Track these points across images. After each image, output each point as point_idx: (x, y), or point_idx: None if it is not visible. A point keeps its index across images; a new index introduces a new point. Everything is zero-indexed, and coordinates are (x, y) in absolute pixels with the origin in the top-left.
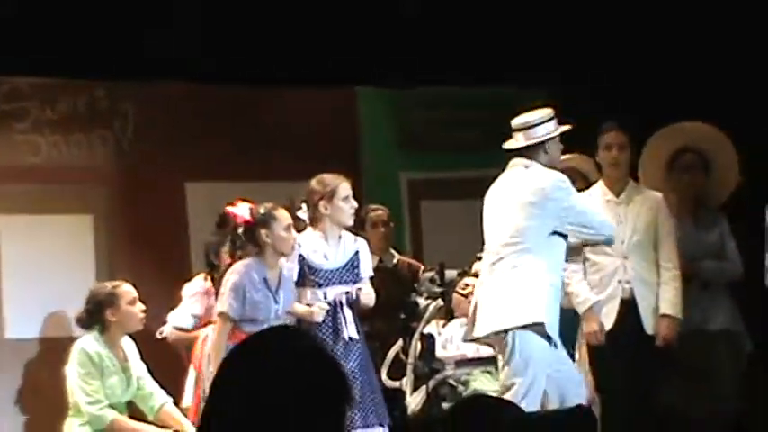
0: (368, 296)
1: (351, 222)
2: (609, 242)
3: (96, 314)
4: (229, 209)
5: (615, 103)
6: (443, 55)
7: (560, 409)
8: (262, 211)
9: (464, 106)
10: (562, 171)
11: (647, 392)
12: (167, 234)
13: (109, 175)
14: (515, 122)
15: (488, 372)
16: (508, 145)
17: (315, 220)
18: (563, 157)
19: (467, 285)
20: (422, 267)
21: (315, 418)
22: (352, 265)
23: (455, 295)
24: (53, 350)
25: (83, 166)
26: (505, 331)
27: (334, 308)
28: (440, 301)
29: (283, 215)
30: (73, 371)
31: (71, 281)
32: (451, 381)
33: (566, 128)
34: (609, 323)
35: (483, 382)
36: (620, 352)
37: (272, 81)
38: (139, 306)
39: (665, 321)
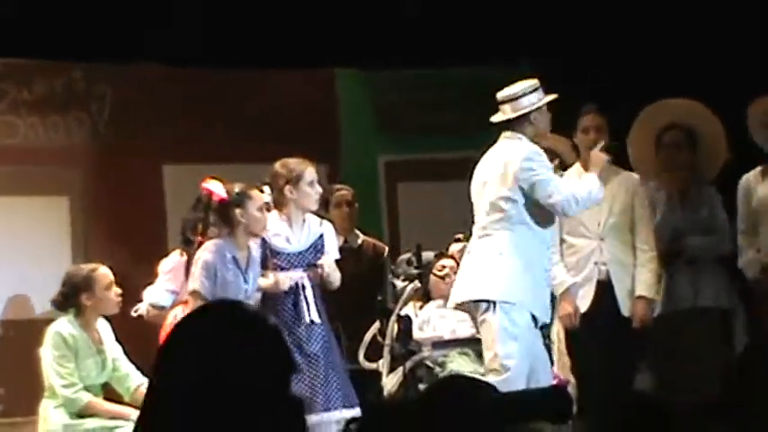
0: (331, 274)
1: (315, 207)
2: (564, 210)
3: (72, 297)
4: (205, 185)
5: (594, 84)
6: (421, 36)
7: (536, 390)
8: (237, 190)
9: (441, 88)
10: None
11: (624, 374)
12: (144, 216)
13: (85, 157)
14: (500, 95)
15: (465, 353)
16: (495, 118)
17: (279, 204)
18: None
19: (443, 267)
20: (386, 249)
21: (260, 388)
22: (316, 248)
23: (432, 277)
24: (29, 331)
25: (59, 147)
26: (484, 302)
27: (296, 291)
28: (417, 283)
29: (258, 195)
30: (48, 353)
31: (47, 262)
32: (428, 362)
33: (551, 97)
34: (585, 305)
35: (460, 364)
36: (597, 333)
37: (251, 63)
38: (115, 290)
39: (641, 303)
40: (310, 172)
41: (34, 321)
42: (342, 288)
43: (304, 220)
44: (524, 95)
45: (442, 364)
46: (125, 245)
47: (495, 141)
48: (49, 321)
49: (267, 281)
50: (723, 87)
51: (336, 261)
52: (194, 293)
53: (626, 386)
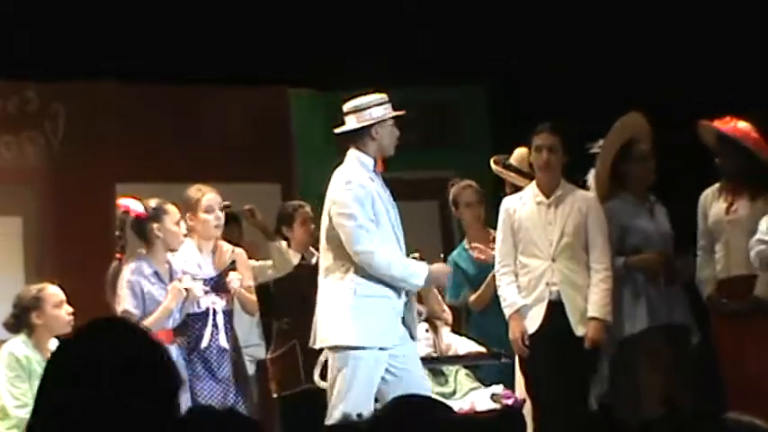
0: (244, 299)
1: (215, 234)
2: (367, 261)
3: (22, 318)
4: (121, 201)
5: (556, 101)
6: (376, 55)
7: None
8: (153, 204)
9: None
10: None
11: (578, 393)
12: (97, 236)
13: (39, 176)
14: (346, 106)
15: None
16: (338, 129)
17: (189, 230)
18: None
19: None
20: None
21: (146, 404)
22: (227, 275)
23: None
24: None
25: (12, 167)
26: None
27: (206, 317)
28: None
29: (173, 210)
30: (1, 374)
31: (0, 282)
32: None
33: (398, 114)
34: (535, 325)
35: None
36: (548, 353)
37: (204, 80)
38: (66, 308)
39: (593, 324)
40: (207, 198)
41: None
42: (299, 305)
43: (216, 247)
44: (369, 108)
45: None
46: (78, 264)
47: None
48: (0, 342)
49: (179, 294)
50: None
51: (294, 278)
52: (125, 313)
53: (580, 405)
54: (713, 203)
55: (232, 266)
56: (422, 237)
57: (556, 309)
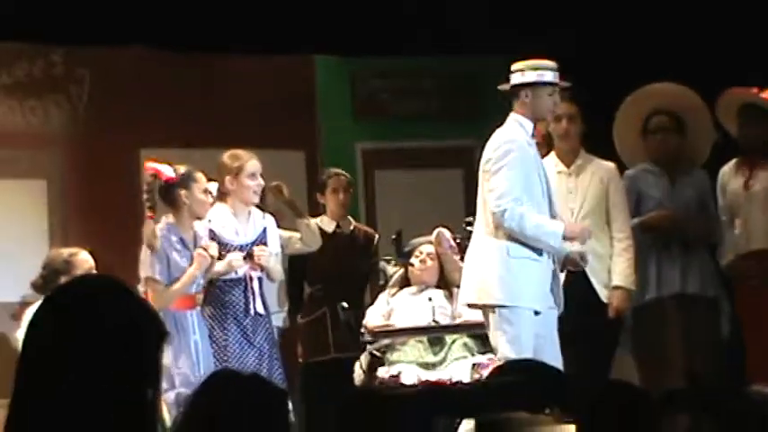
0: (270, 267)
1: (255, 200)
2: (499, 221)
3: (51, 281)
4: (151, 165)
5: (580, 72)
6: (400, 23)
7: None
8: (182, 171)
9: (420, 76)
10: None
11: (601, 363)
12: (121, 201)
13: (63, 141)
14: (513, 65)
15: (420, 341)
16: (500, 87)
17: (223, 195)
18: None
19: (421, 253)
20: (377, 235)
21: (130, 360)
22: (261, 242)
23: (410, 263)
24: (6, 314)
25: (37, 131)
26: (482, 306)
27: (245, 282)
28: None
29: (202, 178)
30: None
31: (24, 246)
32: (374, 351)
33: (555, 83)
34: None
35: (403, 354)
36: (571, 322)
37: (231, 48)
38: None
39: (617, 293)
40: (253, 164)
41: (11, 305)
42: (332, 273)
43: (249, 213)
44: (526, 70)
45: (384, 353)
46: (102, 228)
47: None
48: (26, 305)
49: (221, 263)
50: (708, 72)
51: (329, 245)
52: (149, 279)
53: (602, 375)
54: (731, 180)
55: (264, 233)
56: (446, 204)
57: (576, 277)
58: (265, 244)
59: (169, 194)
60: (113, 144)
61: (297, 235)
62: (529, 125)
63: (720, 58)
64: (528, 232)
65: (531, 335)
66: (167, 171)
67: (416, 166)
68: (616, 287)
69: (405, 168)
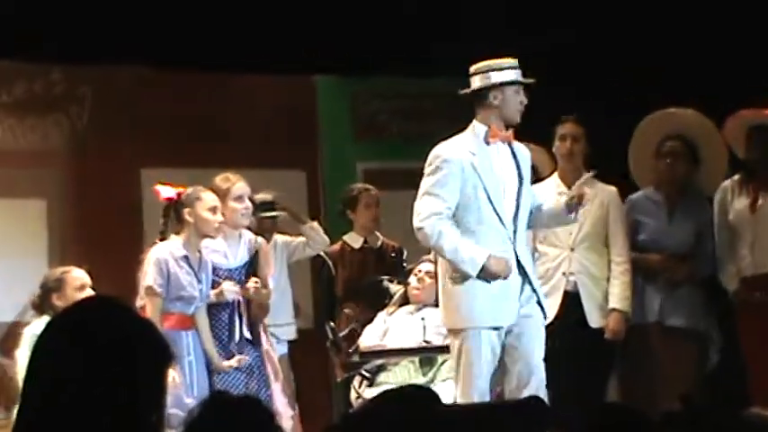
0: (260, 292)
1: (244, 223)
2: (419, 238)
3: (45, 299)
4: (156, 187)
5: (579, 95)
6: (400, 45)
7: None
8: (189, 191)
9: (421, 97)
10: None
11: (595, 385)
12: (121, 221)
13: (63, 160)
14: (472, 68)
15: (411, 362)
16: (461, 91)
17: None
18: None
19: (420, 271)
20: (405, 251)
21: (123, 377)
22: (251, 265)
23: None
24: (5, 334)
25: (37, 150)
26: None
27: (232, 306)
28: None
29: (209, 197)
30: (24, 356)
31: (24, 265)
32: (363, 371)
33: (525, 80)
34: (552, 314)
35: (392, 374)
36: (563, 344)
37: (232, 67)
38: (88, 292)
39: (614, 315)
40: (238, 187)
41: (9, 324)
42: (361, 290)
43: (240, 236)
44: (493, 71)
45: (375, 374)
46: (101, 248)
47: None
48: (22, 325)
49: (212, 290)
50: (719, 98)
51: (357, 261)
52: (148, 290)
53: (597, 397)
54: (735, 199)
55: (255, 256)
56: None
57: (571, 299)
58: (255, 269)
59: (176, 214)
60: (113, 163)
61: (301, 239)
62: (482, 130)
63: (729, 75)
64: (446, 254)
65: (489, 355)
66: (165, 191)
67: (417, 186)
68: (613, 309)
69: (406, 188)
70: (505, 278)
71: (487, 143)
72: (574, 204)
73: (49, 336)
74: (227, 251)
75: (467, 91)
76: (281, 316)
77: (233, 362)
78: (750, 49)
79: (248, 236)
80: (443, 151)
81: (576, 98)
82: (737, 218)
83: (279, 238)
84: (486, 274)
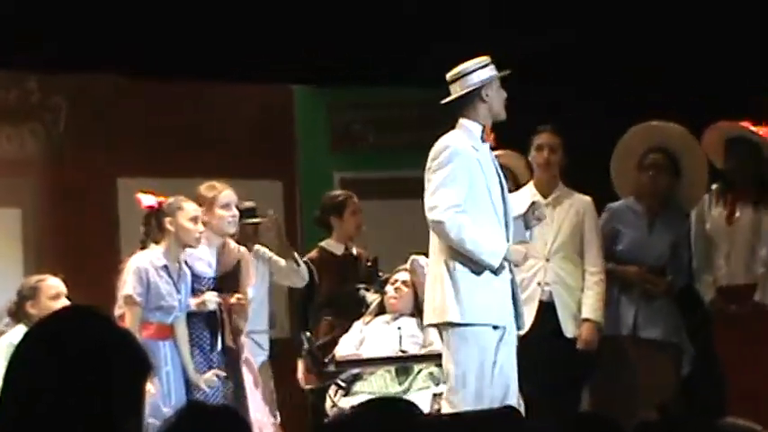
0: (242, 305)
1: (230, 230)
2: (438, 232)
3: (20, 307)
4: (138, 195)
5: (579, 95)
6: (378, 55)
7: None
8: (170, 200)
9: (398, 107)
10: None
11: (569, 395)
12: (97, 230)
13: (39, 169)
14: (449, 74)
15: (388, 371)
16: (445, 100)
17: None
18: (495, 153)
19: (396, 281)
20: (376, 257)
21: (98, 385)
22: (234, 274)
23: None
24: None
25: (13, 159)
26: (434, 326)
27: (213, 316)
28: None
29: (190, 206)
30: (0, 365)
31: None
32: (339, 381)
33: (504, 73)
34: (527, 325)
35: (368, 384)
36: (538, 354)
37: (208, 76)
38: (63, 302)
39: (587, 325)
40: (225, 195)
41: None
42: (340, 297)
43: (224, 245)
44: (474, 71)
45: (350, 383)
46: (78, 257)
47: None
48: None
49: (195, 299)
50: (719, 98)
51: (337, 268)
52: (128, 298)
53: (572, 407)
54: (711, 209)
55: (237, 266)
56: (422, 232)
57: (546, 309)
58: (237, 278)
59: (157, 223)
60: (89, 172)
61: (284, 265)
62: (478, 129)
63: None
64: (467, 245)
65: (490, 353)
66: (146, 200)
67: (393, 196)
68: (586, 320)
69: (382, 198)
70: (522, 265)
71: (483, 141)
72: (531, 222)
73: (26, 346)
74: (211, 260)
75: (454, 97)
76: (262, 323)
77: (209, 376)
78: (750, 50)
79: (233, 246)
80: (451, 143)
81: (576, 98)
82: (714, 228)
83: (264, 250)
84: (506, 260)
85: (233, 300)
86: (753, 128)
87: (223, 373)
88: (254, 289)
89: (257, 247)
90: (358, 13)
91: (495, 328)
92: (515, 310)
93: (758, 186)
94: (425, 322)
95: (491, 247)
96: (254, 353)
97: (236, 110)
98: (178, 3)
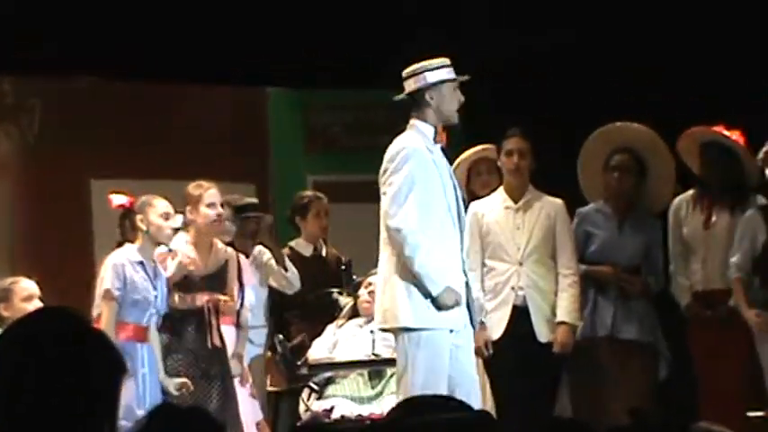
0: (230, 308)
1: (216, 230)
2: (394, 239)
3: None
4: (111, 195)
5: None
6: (351, 57)
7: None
8: (141, 198)
9: (371, 109)
10: (477, 161)
11: (543, 399)
12: (71, 231)
13: (13, 171)
14: (405, 72)
15: (360, 375)
16: (397, 97)
17: (186, 225)
18: (479, 147)
19: (369, 284)
20: (350, 259)
21: (76, 388)
22: (220, 274)
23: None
24: None
25: None
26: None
27: (202, 314)
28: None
29: (161, 203)
30: None
31: None
32: (312, 384)
33: (463, 78)
34: (501, 329)
35: (339, 388)
36: (512, 358)
37: (182, 78)
38: (36, 303)
39: (562, 328)
40: (210, 194)
41: None
42: (309, 298)
43: (211, 244)
44: (424, 72)
45: (323, 386)
46: (52, 259)
47: None
48: None
49: (183, 297)
50: (719, 98)
51: (307, 269)
52: (106, 293)
53: (547, 411)
54: (689, 215)
55: (224, 266)
56: None
57: (520, 313)
58: (225, 278)
59: (130, 222)
60: (64, 174)
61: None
62: (430, 130)
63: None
64: (415, 267)
65: (446, 357)
66: (116, 199)
67: (367, 199)
68: (561, 323)
69: (355, 201)
70: (451, 308)
71: (436, 143)
72: None
73: (2, 347)
74: (197, 259)
75: (403, 96)
76: (257, 319)
77: (180, 380)
78: (750, 49)
79: (220, 246)
80: (407, 144)
81: (576, 98)
82: (691, 233)
83: (263, 252)
84: (437, 302)
85: (222, 304)
86: (726, 132)
87: (191, 387)
88: (254, 289)
89: (258, 248)
90: (336, 15)
91: (451, 331)
92: (469, 312)
93: (734, 191)
94: (377, 326)
95: (435, 278)
96: (247, 349)
97: (211, 112)
98: (152, 5)
